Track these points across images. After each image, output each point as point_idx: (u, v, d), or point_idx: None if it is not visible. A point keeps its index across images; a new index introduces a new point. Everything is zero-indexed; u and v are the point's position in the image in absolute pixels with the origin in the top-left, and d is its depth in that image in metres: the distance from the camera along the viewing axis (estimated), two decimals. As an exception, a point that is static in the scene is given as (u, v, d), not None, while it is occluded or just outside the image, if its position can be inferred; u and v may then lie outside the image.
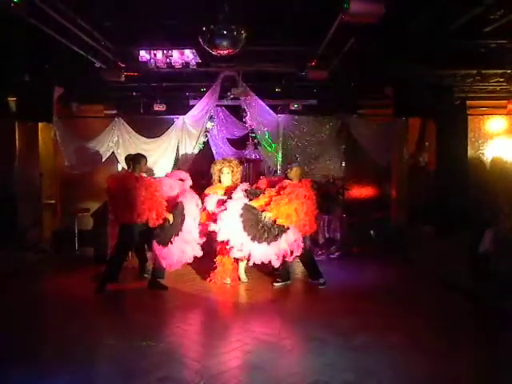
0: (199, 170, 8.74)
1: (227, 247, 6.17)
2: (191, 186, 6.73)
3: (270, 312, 5.64)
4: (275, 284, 6.56)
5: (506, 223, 5.73)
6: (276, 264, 6.20)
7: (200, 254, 6.37)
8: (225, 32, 5.31)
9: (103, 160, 8.88)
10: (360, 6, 4.41)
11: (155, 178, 6.83)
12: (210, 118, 9.48)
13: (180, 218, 6.21)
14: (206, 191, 6.84)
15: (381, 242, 9.10)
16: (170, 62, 7.02)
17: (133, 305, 6.10)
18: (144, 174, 6.51)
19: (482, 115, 8.69)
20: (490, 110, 8.69)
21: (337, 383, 3.66)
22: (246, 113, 9.34)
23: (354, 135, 9.39)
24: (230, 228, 6.04)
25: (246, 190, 6.41)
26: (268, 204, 6.19)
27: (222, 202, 6.36)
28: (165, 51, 6.88)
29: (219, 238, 6.13)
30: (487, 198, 6.02)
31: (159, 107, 9.49)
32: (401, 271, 7.69)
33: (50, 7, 4.92)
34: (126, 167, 7.82)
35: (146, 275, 6.79)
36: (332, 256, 8.56)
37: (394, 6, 4.62)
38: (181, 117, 8.97)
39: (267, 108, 9.03)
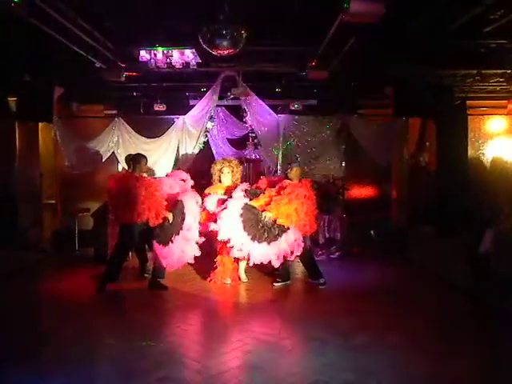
0: (199, 170, 8.72)
1: (228, 246, 6.16)
2: (192, 186, 6.73)
3: (270, 312, 5.64)
4: (275, 284, 6.56)
5: (506, 223, 5.72)
6: (276, 264, 6.19)
7: (198, 253, 6.34)
8: (225, 32, 5.32)
9: (103, 160, 8.88)
10: (360, 5, 4.42)
11: (155, 178, 6.83)
12: (210, 118, 9.46)
13: (180, 216, 6.20)
14: (206, 191, 6.84)
15: (381, 242, 9.09)
16: (170, 62, 7.01)
17: (133, 305, 6.10)
18: (144, 174, 6.52)
19: (482, 115, 8.69)
20: (490, 109, 8.69)
21: (337, 383, 3.66)
22: (246, 113, 9.35)
23: (354, 135, 9.38)
24: (230, 227, 6.04)
25: (246, 190, 6.41)
26: (268, 204, 6.19)
27: (222, 202, 6.37)
28: (165, 51, 6.88)
29: (219, 237, 6.13)
30: (487, 198, 6.00)
31: (159, 107, 9.48)
32: (401, 271, 7.69)
33: (50, 7, 4.93)
34: (126, 167, 7.84)
35: (146, 275, 6.79)
36: (332, 256, 8.55)
37: (394, 6, 4.63)
38: (181, 117, 8.97)
39: (267, 108, 9.03)
